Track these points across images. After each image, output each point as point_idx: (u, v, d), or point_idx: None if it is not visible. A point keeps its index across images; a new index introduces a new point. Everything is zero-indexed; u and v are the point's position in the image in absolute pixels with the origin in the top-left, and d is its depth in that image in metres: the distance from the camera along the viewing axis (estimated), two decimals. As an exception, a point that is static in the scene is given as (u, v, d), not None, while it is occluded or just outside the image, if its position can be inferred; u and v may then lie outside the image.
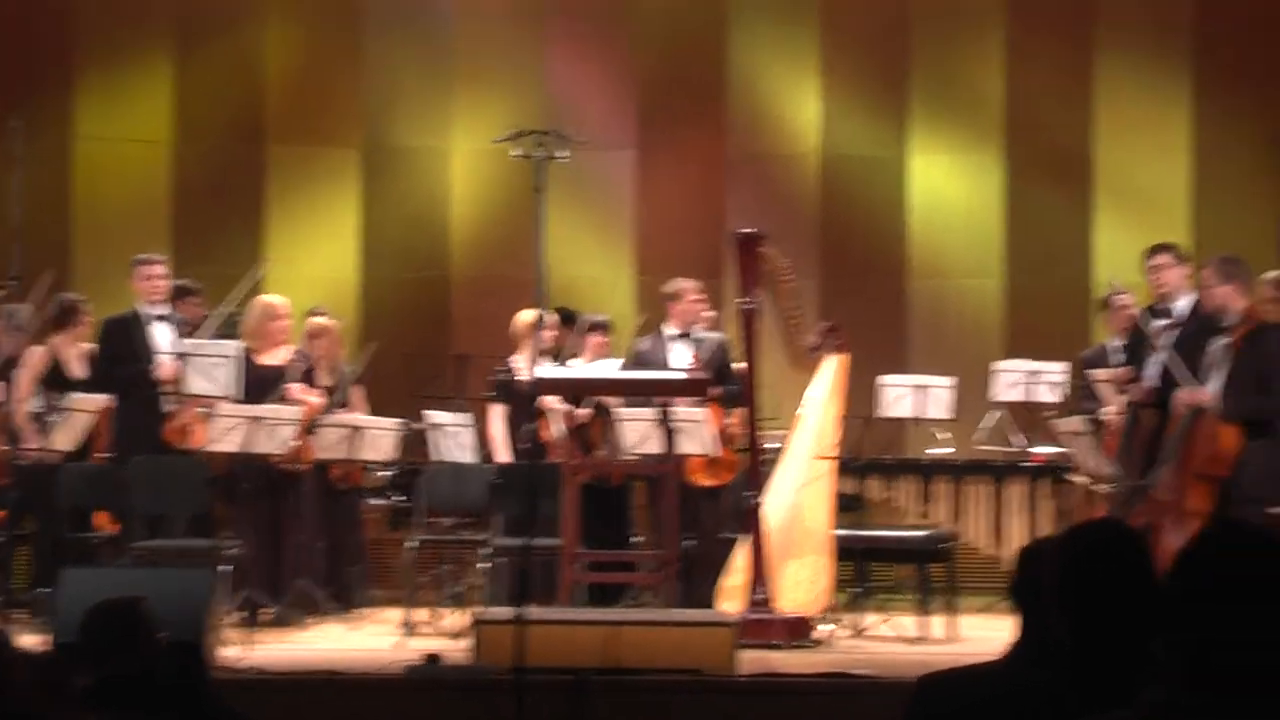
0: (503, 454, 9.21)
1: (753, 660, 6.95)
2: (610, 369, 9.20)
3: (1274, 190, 7.77)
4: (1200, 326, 7.75)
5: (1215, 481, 7.38)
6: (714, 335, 9.26)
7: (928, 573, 8.51)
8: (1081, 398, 9.18)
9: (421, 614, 8.51)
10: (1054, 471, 8.98)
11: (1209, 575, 2.57)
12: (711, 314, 9.50)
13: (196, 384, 8.44)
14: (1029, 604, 3.21)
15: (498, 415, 9.34)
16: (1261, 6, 11.25)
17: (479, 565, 8.73)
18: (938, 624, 8.30)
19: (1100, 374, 8.91)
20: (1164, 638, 2.62)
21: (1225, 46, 11.26)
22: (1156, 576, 2.77)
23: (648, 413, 8.35)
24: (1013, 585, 3.36)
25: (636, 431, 8.37)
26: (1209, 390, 7.46)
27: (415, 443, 9.28)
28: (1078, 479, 8.43)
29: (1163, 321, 7.82)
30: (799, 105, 11.64)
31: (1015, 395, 9.83)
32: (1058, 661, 2.87)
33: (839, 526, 8.31)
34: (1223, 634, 2.51)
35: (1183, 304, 7.93)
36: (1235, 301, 7.55)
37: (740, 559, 8.13)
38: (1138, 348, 8.09)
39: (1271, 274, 8.48)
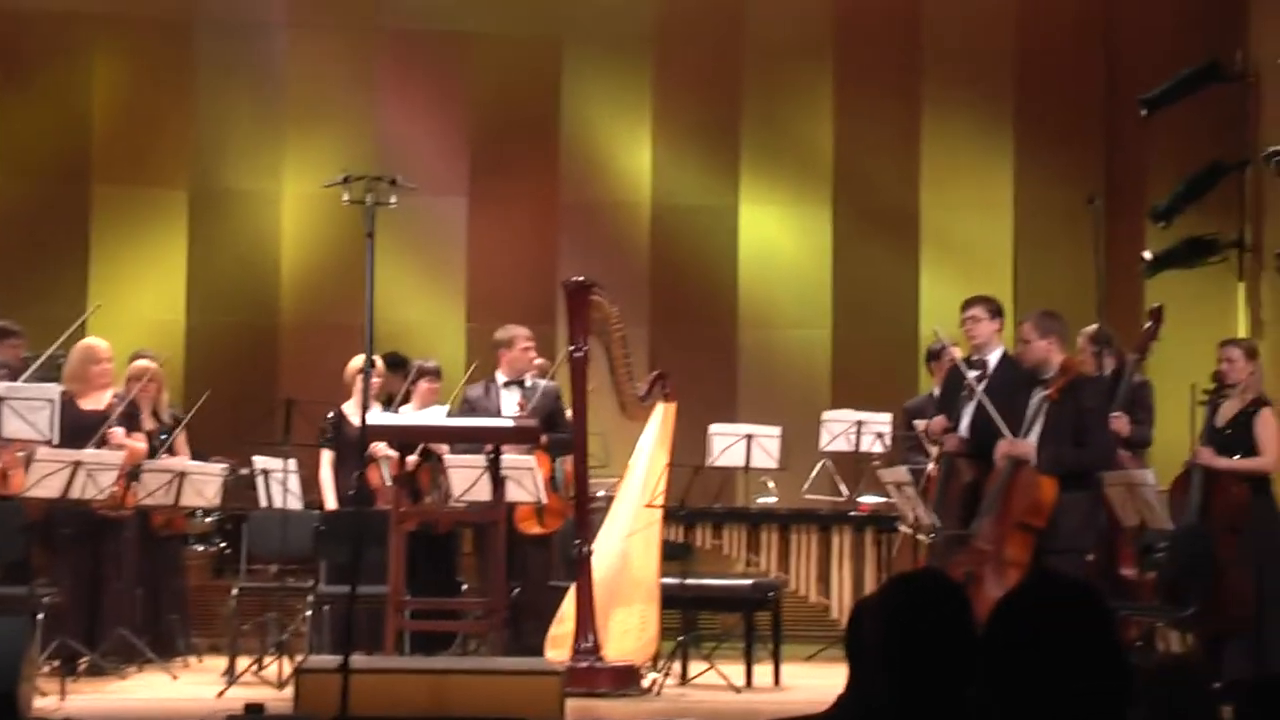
0: (330, 500, 9.12)
1: (579, 709, 6.94)
2: (439, 415, 9.16)
3: (1086, 245, 7.98)
4: (1007, 378, 7.93)
5: (1033, 532, 7.53)
6: (545, 383, 9.27)
7: (754, 621, 8.57)
8: (907, 448, 9.31)
9: (244, 662, 8.37)
10: (879, 521, 9.09)
11: (1026, 625, 2.62)
12: (542, 361, 9.51)
13: (13, 427, 8.24)
14: (857, 658, 3.25)
15: (326, 461, 9.25)
16: (1076, 76, 11.56)
17: (304, 613, 8.62)
18: (763, 672, 8.35)
19: (919, 425, 9.05)
20: (981, 688, 2.67)
21: (1044, 112, 11.56)
22: (974, 627, 2.82)
23: (477, 460, 8.32)
24: (846, 640, 3.40)
25: (465, 478, 8.33)
26: (1028, 442, 7.61)
27: (240, 488, 9.15)
28: (902, 529, 8.55)
29: (974, 373, 7.98)
30: (631, 154, 11.72)
31: (842, 445, 9.94)
32: (880, 717, 2.90)
33: (666, 575, 8.33)
34: (1038, 684, 2.57)
35: (993, 356, 8.12)
36: (1053, 355, 7.73)
37: (568, 607, 8.11)
38: (952, 398, 8.25)
39: (1089, 329, 8.70)
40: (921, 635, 2.71)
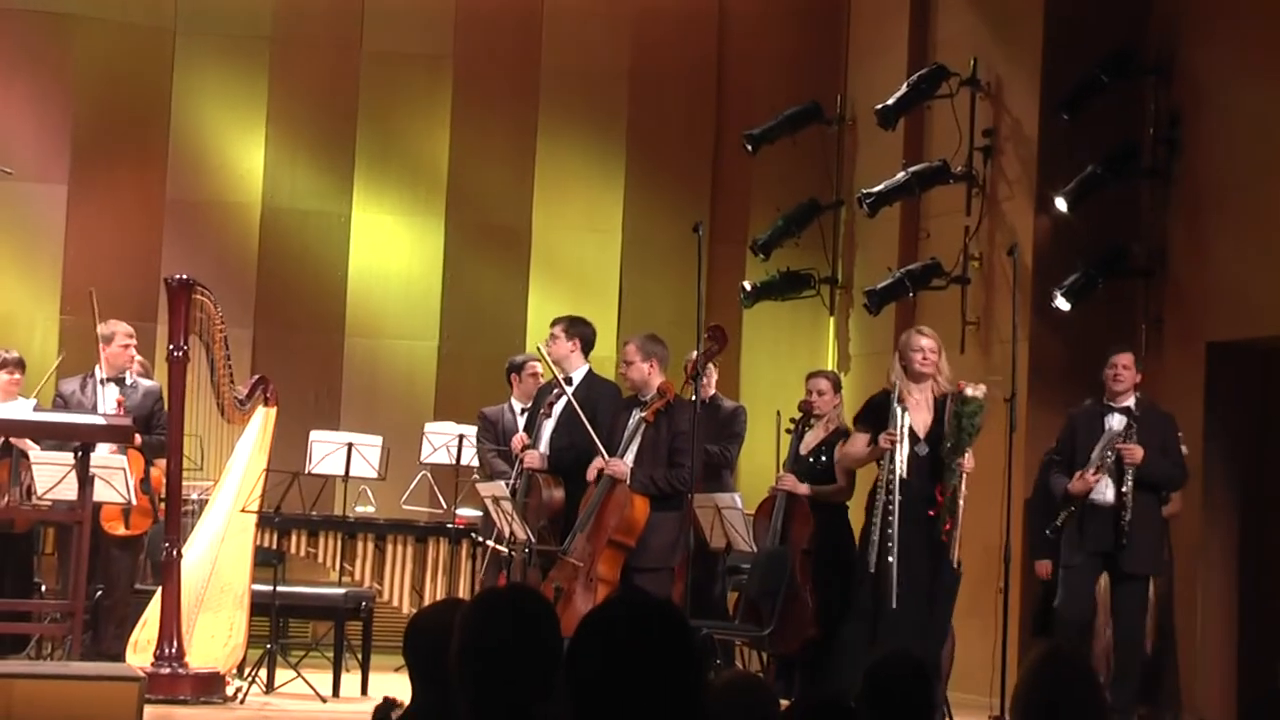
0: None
1: (158, 716, 6.78)
2: (23, 409, 8.81)
3: (690, 272, 8.23)
4: (591, 397, 8.13)
5: (624, 550, 7.72)
6: (145, 381, 9.03)
7: (345, 630, 8.51)
8: (491, 456, 9.37)
9: None
10: (475, 534, 9.14)
11: (608, 642, 2.68)
12: (143, 360, 9.25)
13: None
14: (418, 667, 3.28)
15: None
16: (687, 107, 11.88)
17: None
18: (351, 682, 8.30)
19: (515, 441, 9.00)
20: (559, 703, 2.72)
21: (656, 139, 11.84)
22: (558, 643, 2.88)
23: (64, 457, 8.04)
24: (405, 651, 3.41)
25: (51, 476, 8.03)
26: (625, 461, 7.79)
27: None
28: (495, 543, 8.60)
29: (558, 391, 8.13)
30: (243, 153, 11.51)
31: (443, 458, 9.97)
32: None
33: (258, 581, 8.21)
34: (617, 701, 2.63)
35: (577, 375, 8.31)
36: (654, 377, 7.94)
37: (153, 611, 7.91)
38: (536, 415, 8.40)
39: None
40: (497, 651, 2.75)
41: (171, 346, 7.97)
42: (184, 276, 8.05)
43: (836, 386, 8.75)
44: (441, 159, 11.70)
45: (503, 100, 11.78)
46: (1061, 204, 9.93)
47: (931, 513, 7.56)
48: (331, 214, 11.59)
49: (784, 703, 7.58)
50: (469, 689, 2.74)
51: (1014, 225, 10.30)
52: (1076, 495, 8.01)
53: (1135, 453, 7.96)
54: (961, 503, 7.66)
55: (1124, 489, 7.97)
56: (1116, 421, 8.07)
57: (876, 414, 7.76)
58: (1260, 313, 9.36)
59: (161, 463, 8.42)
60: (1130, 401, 8.11)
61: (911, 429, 7.62)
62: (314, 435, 9.67)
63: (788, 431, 8.98)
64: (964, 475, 7.63)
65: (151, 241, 11.22)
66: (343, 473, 9.65)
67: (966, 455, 7.62)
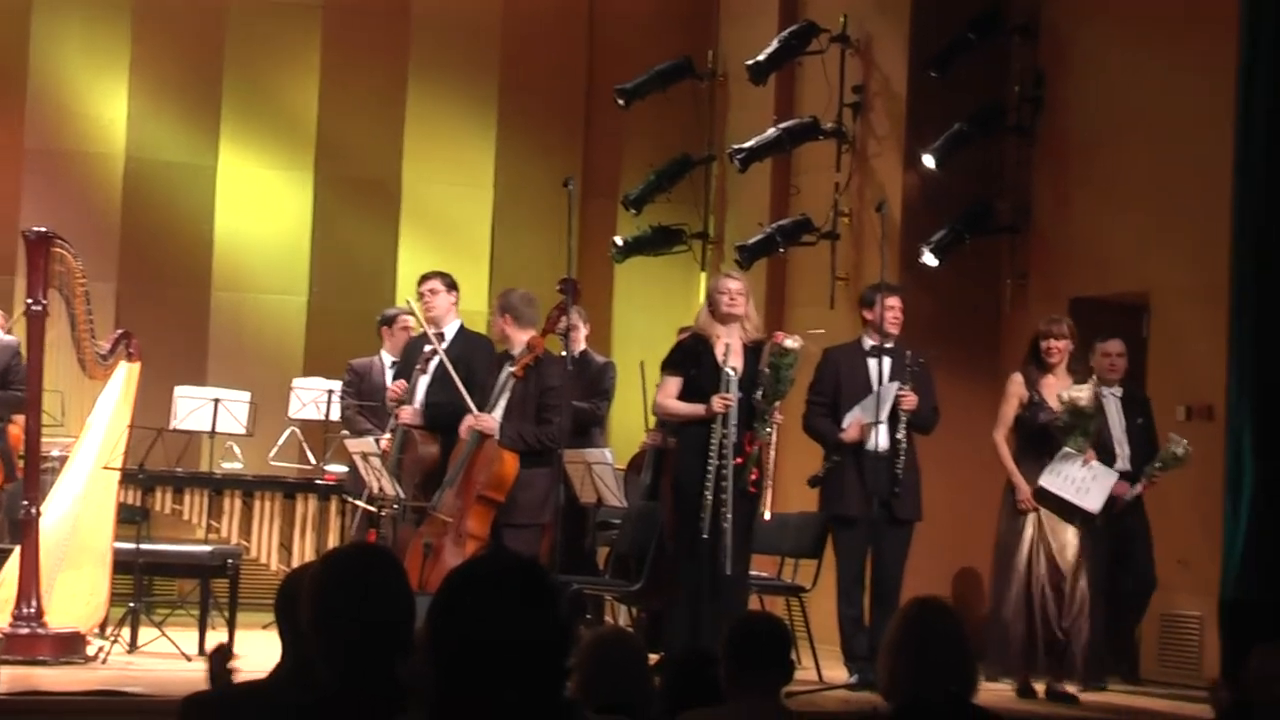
0: None
1: (16, 678, 6.67)
2: None
3: (562, 227, 8.21)
4: (464, 352, 8.10)
5: (493, 505, 7.70)
6: (2, 336, 8.84)
7: (211, 588, 8.42)
8: (358, 413, 9.30)
9: None
10: (344, 490, 9.08)
11: (472, 598, 2.68)
12: (1, 313, 9.07)
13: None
14: (291, 627, 3.26)
15: None
16: (559, 61, 11.82)
17: None
18: (217, 640, 8.21)
19: (394, 388, 8.91)
20: (422, 658, 2.72)
21: (527, 93, 11.77)
22: (412, 598, 2.87)
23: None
24: (276, 607, 3.40)
25: (-96, 434, 7.85)
26: (493, 416, 7.77)
27: None
28: (360, 501, 8.55)
29: (430, 346, 8.08)
30: (106, 103, 11.27)
31: (312, 413, 9.89)
32: (319, 685, 2.91)
33: (121, 539, 8.09)
34: (480, 655, 2.62)
35: (450, 329, 8.27)
36: (515, 333, 7.92)
37: (10, 571, 7.77)
38: (408, 369, 8.34)
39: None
40: (353, 607, 2.73)
41: (30, 301, 7.80)
42: (43, 229, 7.87)
43: (707, 341, 8.75)
44: (310, 111, 11.55)
45: (373, 52, 11.65)
46: (929, 161, 10.02)
47: (739, 460, 7.51)
48: (197, 166, 11.40)
49: (654, 656, 7.64)
50: (324, 650, 2.73)
51: (883, 181, 10.38)
52: (849, 443, 8.02)
53: (910, 400, 8.00)
54: (773, 454, 7.69)
55: (899, 435, 8.01)
56: (888, 371, 8.04)
57: (688, 358, 7.71)
58: (1120, 268, 9.52)
59: (20, 419, 8.26)
60: (892, 342, 8.10)
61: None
62: (179, 391, 9.55)
63: (659, 386, 9.00)
64: (776, 427, 7.64)
65: (9, 192, 10.96)
66: (209, 429, 9.55)
67: (778, 407, 7.62)
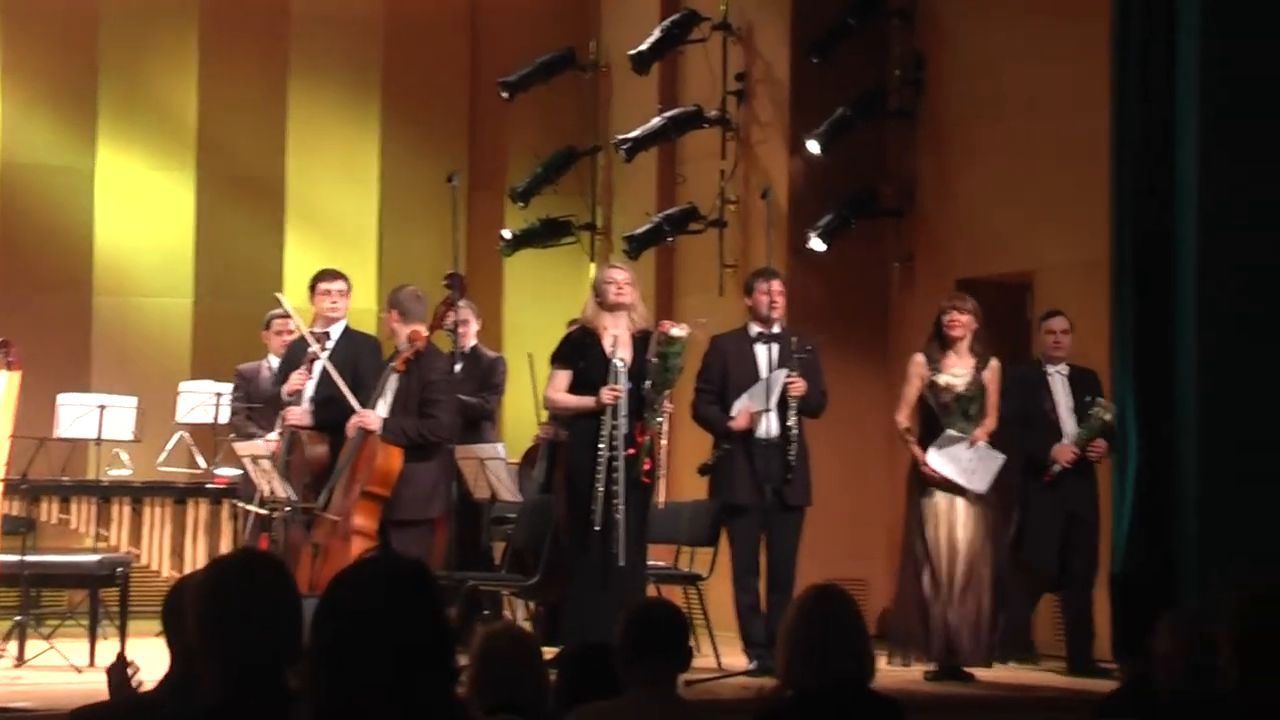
0: None
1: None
2: None
3: (446, 224, 8.17)
4: (350, 350, 8.03)
5: (379, 501, 7.65)
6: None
7: (101, 598, 8.31)
8: (245, 416, 9.20)
9: None
10: (235, 494, 8.99)
11: (355, 601, 2.66)
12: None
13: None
14: (177, 637, 3.22)
15: None
16: (441, 54, 11.74)
17: None
18: (108, 650, 8.10)
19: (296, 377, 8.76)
20: (307, 661, 2.69)
21: (410, 87, 11.69)
22: (298, 603, 2.84)
23: None
24: (162, 618, 3.36)
25: None
26: (375, 413, 7.71)
27: None
28: (252, 505, 8.45)
29: (315, 347, 8.00)
30: (-21, 109, 11.08)
31: (201, 417, 9.78)
32: (206, 696, 2.88)
33: (6, 551, 7.96)
34: (366, 657, 2.60)
35: (336, 329, 8.20)
36: (404, 329, 7.87)
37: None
38: (290, 370, 8.25)
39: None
40: (237, 616, 2.71)
41: (-94, 311, 7.66)
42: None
43: (597, 333, 8.74)
44: (190, 110, 11.41)
45: (252, 49, 11.52)
46: (814, 146, 10.07)
47: (631, 451, 7.51)
48: (75, 169, 11.23)
49: (553, 651, 7.62)
50: (210, 660, 2.70)
51: (768, 168, 10.42)
52: (738, 431, 8.04)
53: (799, 386, 8.04)
54: (665, 443, 7.70)
55: (789, 422, 8.04)
56: (776, 357, 8.06)
57: (576, 350, 7.70)
58: (1003, 249, 9.62)
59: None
60: (778, 328, 8.11)
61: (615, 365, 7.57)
62: (62, 398, 9.40)
63: (548, 380, 8.97)
64: (666, 416, 7.65)
65: (-115, 200, 10.75)
66: (95, 436, 9.41)
67: (667, 396, 7.63)
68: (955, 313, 8.09)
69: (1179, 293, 8.28)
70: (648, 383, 7.53)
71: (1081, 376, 8.50)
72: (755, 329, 8.20)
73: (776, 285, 8.18)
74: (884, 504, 9.54)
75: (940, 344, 8.14)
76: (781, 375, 8.02)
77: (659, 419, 7.59)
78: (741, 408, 8.04)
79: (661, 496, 7.72)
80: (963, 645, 7.96)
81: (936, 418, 8.11)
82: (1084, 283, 8.88)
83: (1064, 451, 8.31)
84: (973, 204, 9.81)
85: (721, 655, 8.21)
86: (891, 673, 7.80)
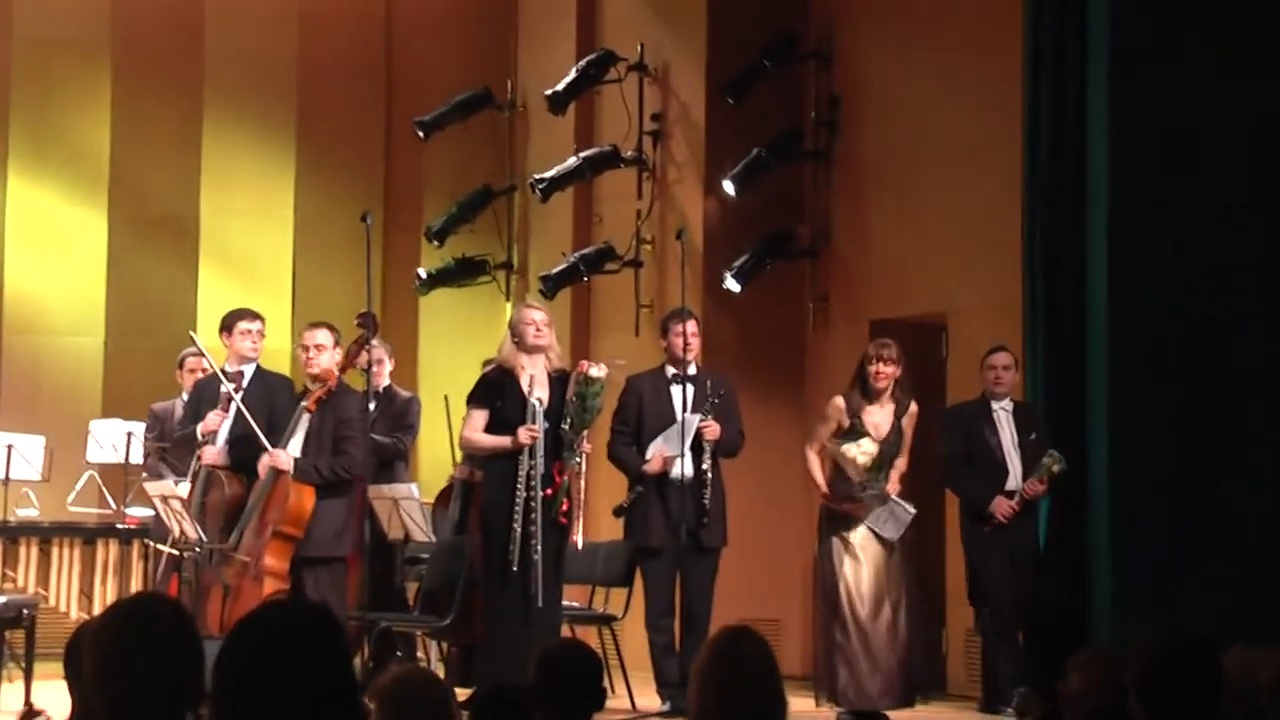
0: None
1: None
2: None
3: (362, 263, 8.11)
4: (263, 390, 7.97)
5: (291, 541, 7.58)
6: None
7: (7, 640, 8.18)
8: (159, 458, 9.10)
9: None
10: (146, 534, 8.89)
11: (258, 645, 2.62)
12: None
13: None
14: (79, 681, 3.17)
15: None
16: (356, 93, 11.70)
17: None
18: (14, 693, 7.98)
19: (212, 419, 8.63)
20: (212, 703, 2.65)
21: (326, 125, 11.63)
22: (199, 648, 2.80)
23: None
24: (65, 662, 3.31)
25: None
26: (286, 452, 7.64)
27: None
28: (168, 546, 8.36)
29: (228, 387, 7.93)
30: (-115, 144, 10.93)
31: (111, 456, 9.67)
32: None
33: (-91, 595, 7.82)
34: (268, 702, 2.56)
35: (248, 368, 8.11)
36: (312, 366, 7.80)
37: None
38: (201, 408, 8.16)
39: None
40: (134, 659, 2.67)
41: None
42: None
43: (513, 373, 8.72)
44: (102, 148, 11.31)
45: (165, 88, 11.44)
46: (729, 187, 10.11)
47: (549, 491, 7.50)
48: (-16, 208, 11.10)
49: (466, 692, 7.58)
50: (108, 703, 2.66)
51: (684, 208, 10.45)
52: (653, 475, 8.04)
53: (713, 430, 8.05)
54: (583, 483, 7.69)
55: (704, 465, 8.04)
56: (690, 400, 8.06)
57: (493, 390, 7.67)
58: (915, 291, 9.69)
59: None
60: (694, 369, 8.13)
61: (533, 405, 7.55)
62: (-33, 439, 9.28)
63: (465, 420, 8.94)
64: (584, 456, 7.65)
65: None
66: (2, 475, 9.29)
67: (585, 436, 7.62)
68: (880, 364, 8.08)
69: (1090, 333, 8.39)
70: (566, 422, 7.51)
71: (1024, 412, 8.39)
72: (671, 370, 8.21)
73: (691, 326, 8.19)
74: (801, 544, 9.54)
75: (863, 391, 8.14)
76: (695, 420, 8.03)
77: (577, 459, 7.57)
78: (655, 452, 8.04)
79: (579, 536, 7.69)
80: (878, 686, 7.97)
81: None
82: (997, 323, 8.95)
83: (1001, 505, 8.20)
84: (888, 245, 9.88)
85: (636, 696, 8.19)
86: (809, 714, 7.80)
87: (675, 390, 8.14)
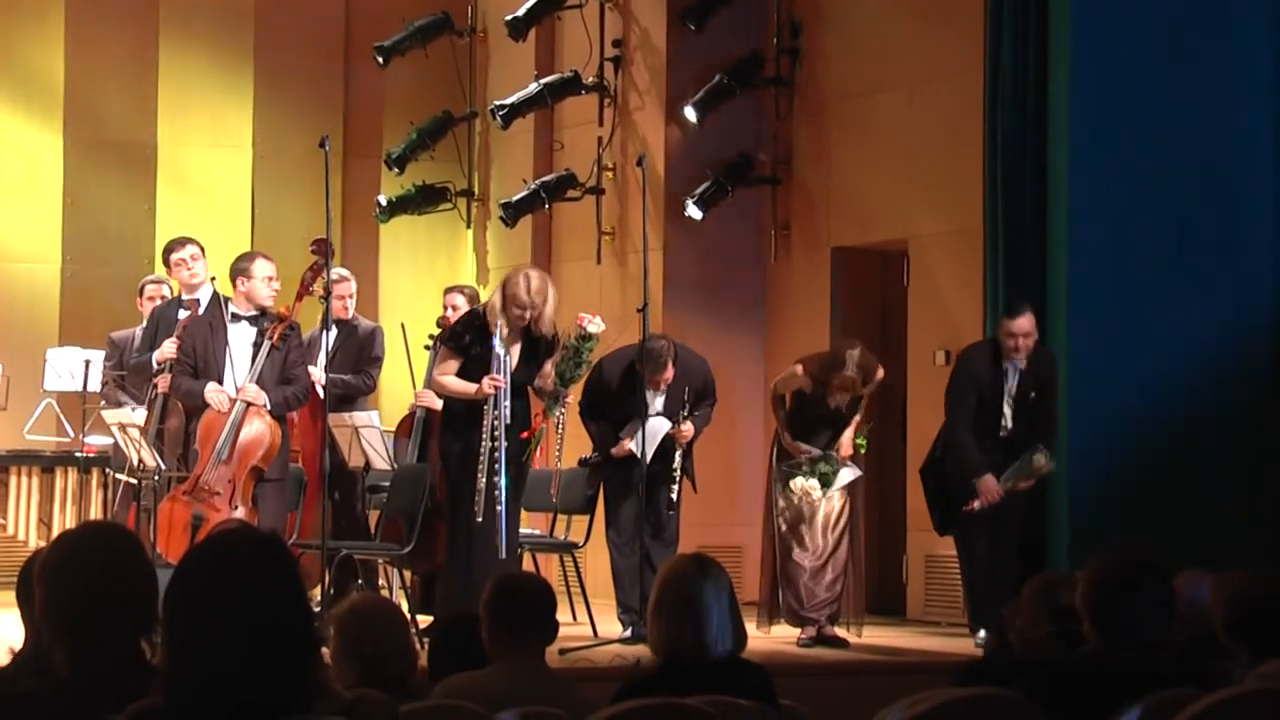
0: None
1: None
2: None
3: (319, 189, 8.01)
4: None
5: (257, 472, 7.56)
6: None
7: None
8: (117, 386, 9.04)
9: None
10: (105, 462, 8.85)
11: (202, 572, 2.61)
12: None
13: None
14: (29, 610, 3.15)
15: None
16: (314, 19, 11.55)
17: None
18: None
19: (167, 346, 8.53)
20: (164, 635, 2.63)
21: (284, 51, 11.49)
22: (150, 577, 2.78)
23: None
24: (16, 592, 3.29)
25: None
26: (256, 387, 7.60)
27: None
28: (125, 474, 8.32)
29: (185, 313, 7.87)
30: None
31: (68, 384, 9.61)
32: (58, 667, 2.82)
33: None
34: (220, 633, 2.54)
35: (204, 295, 8.08)
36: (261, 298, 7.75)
37: None
38: (156, 336, 8.13)
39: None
40: (84, 587, 2.65)
41: None
42: None
43: (474, 301, 8.69)
44: (56, 74, 11.16)
45: (120, 12, 11.28)
46: (691, 113, 10.06)
47: (525, 434, 7.49)
48: (-62, 134, 10.97)
49: (427, 619, 7.58)
50: (58, 633, 2.64)
51: (645, 135, 10.39)
52: (618, 456, 7.99)
53: (686, 434, 8.04)
54: (560, 439, 7.68)
55: (674, 465, 7.98)
56: (657, 413, 7.99)
57: (473, 335, 7.57)
58: (879, 217, 9.67)
59: None
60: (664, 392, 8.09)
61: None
62: (-77, 368, 9.20)
63: (426, 348, 8.91)
64: (565, 408, 7.62)
65: None
66: (-42, 405, 9.23)
67: (568, 393, 7.61)
68: (839, 393, 8.02)
69: (1050, 261, 8.40)
70: (551, 370, 7.49)
71: (1034, 373, 8.00)
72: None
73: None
74: (761, 472, 9.55)
75: (823, 387, 8.11)
76: (664, 426, 7.98)
77: (561, 410, 7.56)
78: (622, 442, 7.99)
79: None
80: (831, 609, 8.01)
81: (804, 414, 8.13)
82: (958, 251, 8.95)
83: (988, 491, 7.91)
84: (848, 172, 9.85)
85: (598, 623, 8.21)
86: (765, 639, 7.84)
87: (649, 393, 8.02)
